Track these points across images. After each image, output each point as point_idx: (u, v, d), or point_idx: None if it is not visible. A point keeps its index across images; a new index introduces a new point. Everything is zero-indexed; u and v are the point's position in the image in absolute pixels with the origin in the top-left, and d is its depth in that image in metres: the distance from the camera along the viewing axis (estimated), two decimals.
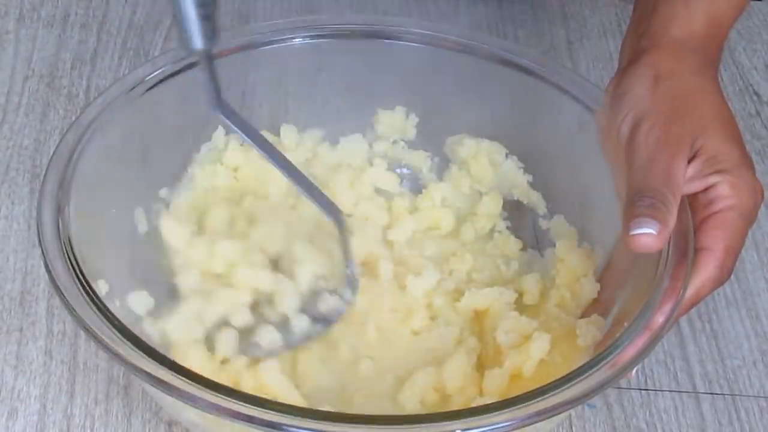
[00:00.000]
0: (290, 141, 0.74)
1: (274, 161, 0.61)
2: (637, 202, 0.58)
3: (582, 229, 0.71)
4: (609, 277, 0.66)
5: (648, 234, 0.57)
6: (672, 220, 0.58)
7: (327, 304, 0.66)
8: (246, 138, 0.60)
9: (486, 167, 0.74)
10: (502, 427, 0.51)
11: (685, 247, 0.59)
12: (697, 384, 0.72)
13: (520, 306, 0.68)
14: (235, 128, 0.59)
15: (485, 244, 0.73)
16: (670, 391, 0.71)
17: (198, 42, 0.53)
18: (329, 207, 0.64)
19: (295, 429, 0.50)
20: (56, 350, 0.70)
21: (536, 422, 0.52)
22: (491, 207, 0.74)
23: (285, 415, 0.51)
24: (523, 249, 0.73)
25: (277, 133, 0.74)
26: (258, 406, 0.51)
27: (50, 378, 0.69)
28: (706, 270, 0.59)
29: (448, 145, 0.75)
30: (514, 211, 0.75)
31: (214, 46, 0.54)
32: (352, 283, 0.66)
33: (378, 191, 0.75)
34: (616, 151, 0.63)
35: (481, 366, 0.65)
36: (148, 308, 0.64)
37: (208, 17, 0.53)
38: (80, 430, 0.66)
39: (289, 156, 0.64)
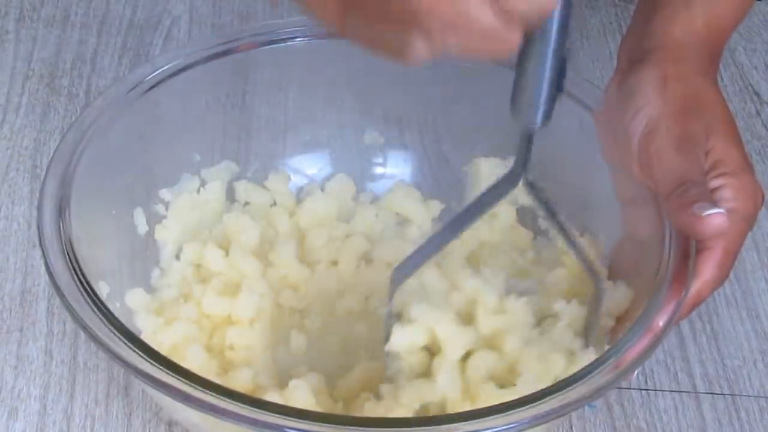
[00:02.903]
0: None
1: (569, 240, 0.62)
2: (689, 190, 0.57)
3: (582, 229, 0.71)
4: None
5: (719, 213, 0.56)
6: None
7: None
8: (545, 213, 0.61)
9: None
10: (503, 429, 0.51)
11: (686, 249, 0.59)
12: (697, 384, 0.72)
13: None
14: (536, 202, 0.60)
15: (500, 241, 0.73)
16: (670, 391, 0.71)
17: (539, 119, 0.55)
18: (595, 272, 0.63)
19: (294, 430, 0.50)
20: (56, 350, 0.70)
21: (538, 425, 0.52)
22: (505, 224, 0.73)
23: (285, 417, 0.51)
24: (533, 238, 0.73)
25: (280, 137, 0.75)
26: (258, 408, 0.51)
27: (50, 378, 0.69)
28: (706, 271, 0.59)
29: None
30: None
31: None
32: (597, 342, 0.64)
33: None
34: (620, 150, 0.63)
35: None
36: (145, 305, 0.65)
37: (552, 99, 0.55)
38: (80, 430, 0.66)
39: None
